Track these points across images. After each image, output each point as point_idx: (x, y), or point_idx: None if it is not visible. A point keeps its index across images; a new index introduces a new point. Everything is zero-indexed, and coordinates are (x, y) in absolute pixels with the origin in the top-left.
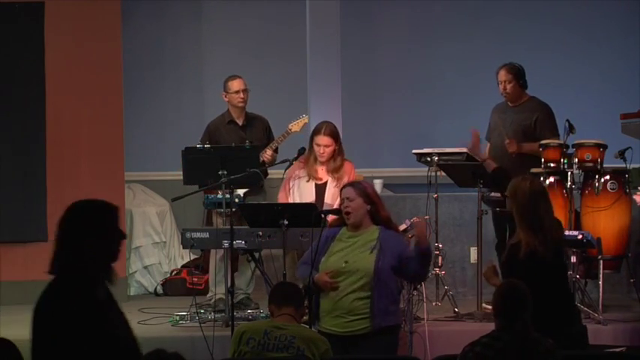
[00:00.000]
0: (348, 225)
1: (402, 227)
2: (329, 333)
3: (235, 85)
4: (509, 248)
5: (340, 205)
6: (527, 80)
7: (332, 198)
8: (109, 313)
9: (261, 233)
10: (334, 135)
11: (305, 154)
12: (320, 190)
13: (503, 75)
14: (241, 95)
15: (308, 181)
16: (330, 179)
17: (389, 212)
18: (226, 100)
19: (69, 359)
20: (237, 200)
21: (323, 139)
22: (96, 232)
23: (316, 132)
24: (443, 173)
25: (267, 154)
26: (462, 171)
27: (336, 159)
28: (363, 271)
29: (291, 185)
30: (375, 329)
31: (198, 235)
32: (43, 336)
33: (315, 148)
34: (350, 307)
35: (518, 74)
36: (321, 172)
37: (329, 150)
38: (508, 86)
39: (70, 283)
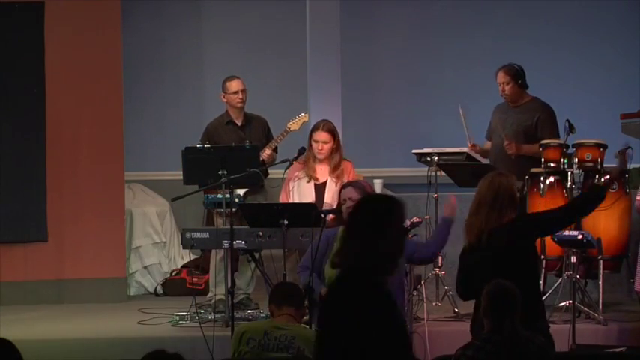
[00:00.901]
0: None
1: None
2: None
3: (234, 85)
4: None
5: (339, 204)
6: (527, 80)
7: (332, 198)
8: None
9: (261, 233)
10: (332, 132)
11: (304, 155)
12: (319, 190)
13: (501, 77)
14: (240, 95)
15: (308, 181)
16: (329, 179)
17: None
18: (225, 100)
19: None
20: (237, 200)
21: (321, 135)
22: (392, 227)
23: (314, 129)
24: (443, 173)
25: (265, 153)
26: (462, 171)
27: (334, 156)
28: None
29: (291, 187)
30: None
31: (198, 235)
32: (355, 327)
33: (314, 145)
34: None
35: (516, 75)
36: (320, 171)
37: (327, 147)
38: (507, 87)
39: (370, 277)
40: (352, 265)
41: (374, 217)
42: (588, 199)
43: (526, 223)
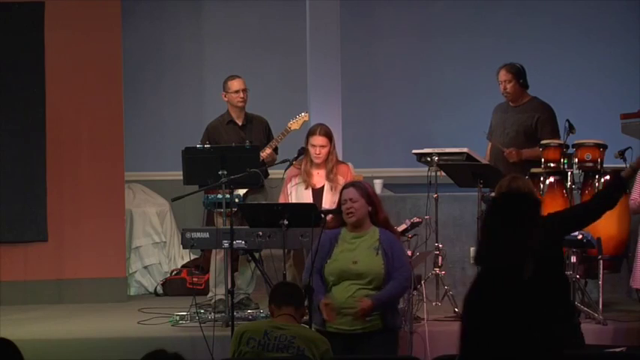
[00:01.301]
0: (349, 225)
1: (402, 227)
2: (334, 332)
3: (235, 84)
4: None
5: (339, 205)
6: (528, 80)
7: (329, 203)
8: None
9: (261, 233)
10: (329, 135)
11: (300, 160)
12: (317, 195)
13: (503, 75)
14: (241, 95)
15: (306, 188)
16: (326, 184)
17: (387, 213)
18: (226, 100)
19: None
20: (237, 200)
21: (318, 140)
22: (531, 223)
23: (311, 133)
24: (443, 173)
25: (265, 152)
26: (462, 171)
27: (331, 159)
28: (373, 272)
29: (289, 192)
30: (386, 327)
31: (198, 235)
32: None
33: (311, 149)
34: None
35: (518, 74)
36: (317, 176)
37: (325, 151)
38: (508, 86)
39: (519, 271)
40: (503, 259)
41: (525, 211)
42: (616, 187)
43: (556, 222)
